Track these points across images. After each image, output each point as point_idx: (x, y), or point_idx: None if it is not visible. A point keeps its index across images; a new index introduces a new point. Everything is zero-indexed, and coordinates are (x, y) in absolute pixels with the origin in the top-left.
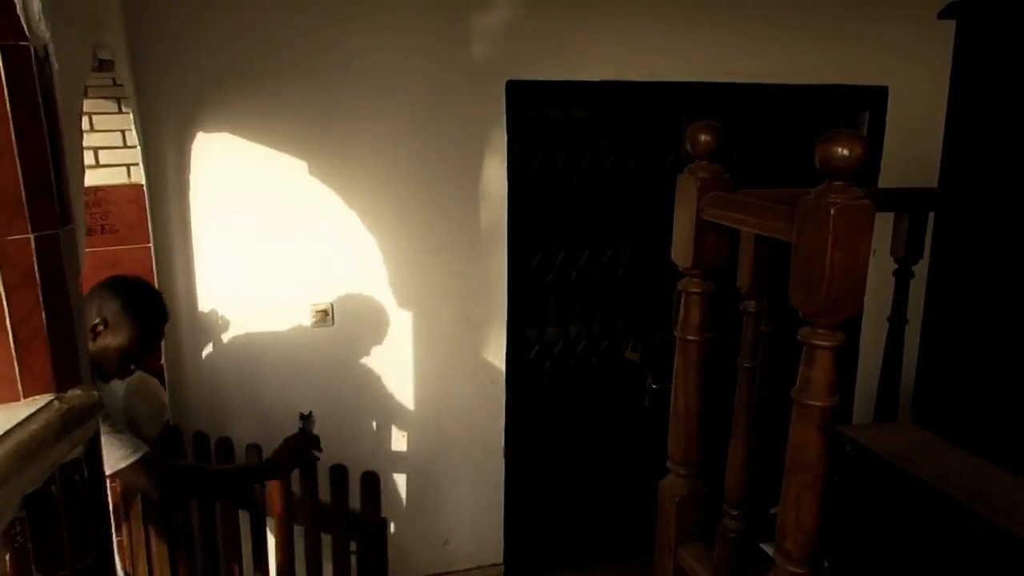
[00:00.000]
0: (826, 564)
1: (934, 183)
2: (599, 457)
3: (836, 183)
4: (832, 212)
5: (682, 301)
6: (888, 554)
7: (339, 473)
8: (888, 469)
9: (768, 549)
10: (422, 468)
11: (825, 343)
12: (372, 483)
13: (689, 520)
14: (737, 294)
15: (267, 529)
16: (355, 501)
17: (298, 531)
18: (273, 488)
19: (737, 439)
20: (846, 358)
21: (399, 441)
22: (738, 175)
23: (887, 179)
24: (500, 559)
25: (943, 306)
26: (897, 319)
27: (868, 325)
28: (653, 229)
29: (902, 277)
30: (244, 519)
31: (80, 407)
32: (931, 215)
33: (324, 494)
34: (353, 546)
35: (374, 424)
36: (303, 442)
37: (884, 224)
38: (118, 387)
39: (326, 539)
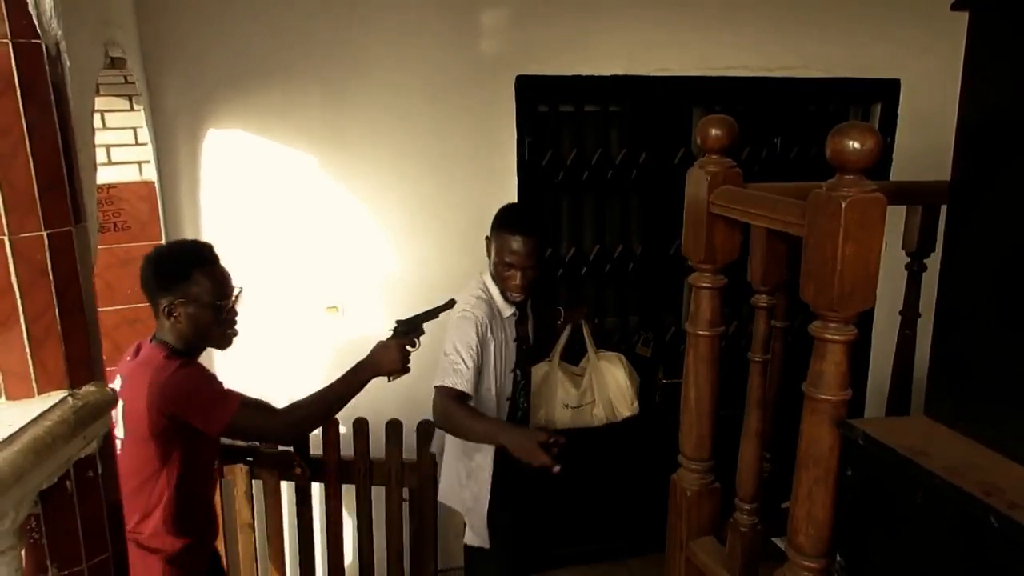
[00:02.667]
0: (839, 559)
1: (946, 176)
2: (610, 452)
3: (847, 176)
4: (844, 205)
5: (693, 295)
6: (901, 548)
7: (395, 426)
8: (901, 463)
9: (781, 544)
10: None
11: (837, 337)
12: (427, 430)
13: (701, 515)
14: (748, 288)
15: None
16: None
17: (347, 488)
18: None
19: (749, 434)
20: (858, 352)
21: (409, 436)
22: (749, 169)
23: (899, 172)
24: None
25: (956, 299)
26: (909, 313)
27: (880, 319)
28: (664, 223)
29: (914, 270)
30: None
31: (94, 403)
32: (943, 208)
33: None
34: (405, 493)
35: (385, 419)
36: (387, 347)
37: (896, 217)
38: None
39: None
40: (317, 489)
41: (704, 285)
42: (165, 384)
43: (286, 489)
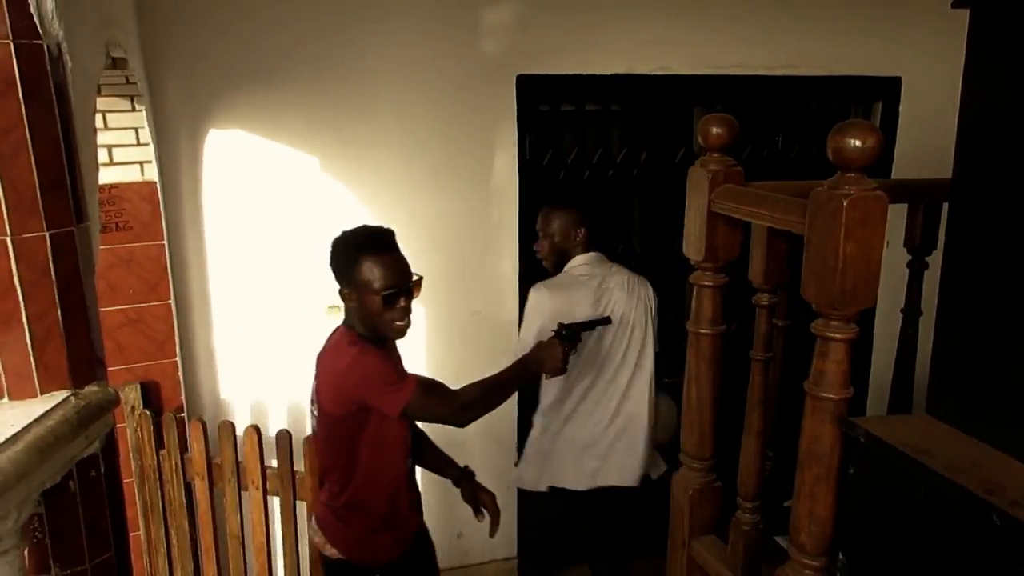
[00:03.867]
0: (841, 557)
1: (948, 174)
2: None
3: (849, 175)
4: (845, 204)
5: (694, 294)
6: (903, 547)
7: None
8: (903, 461)
9: (782, 542)
10: None
11: (838, 336)
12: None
13: (703, 513)
14: (750, 287)
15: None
16: None
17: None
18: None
19: (751, 432)
20: (859, 350)
21: None
22: (750, 168)
23: (900, 170)
24: (513, 553)
25: (958, 297)
26: (911, 311)
27: (882, 317)
28: (665, 222)
29: (916, 269)
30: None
31: (96, 403)
32: (945, 206)
33: None
34: None
35: None
36: (552, 347)
37: (897, 215)
38: None
39: None
40: (303, 507)
41: (706, 284)
42: (345, 370)
43: (275, 504)
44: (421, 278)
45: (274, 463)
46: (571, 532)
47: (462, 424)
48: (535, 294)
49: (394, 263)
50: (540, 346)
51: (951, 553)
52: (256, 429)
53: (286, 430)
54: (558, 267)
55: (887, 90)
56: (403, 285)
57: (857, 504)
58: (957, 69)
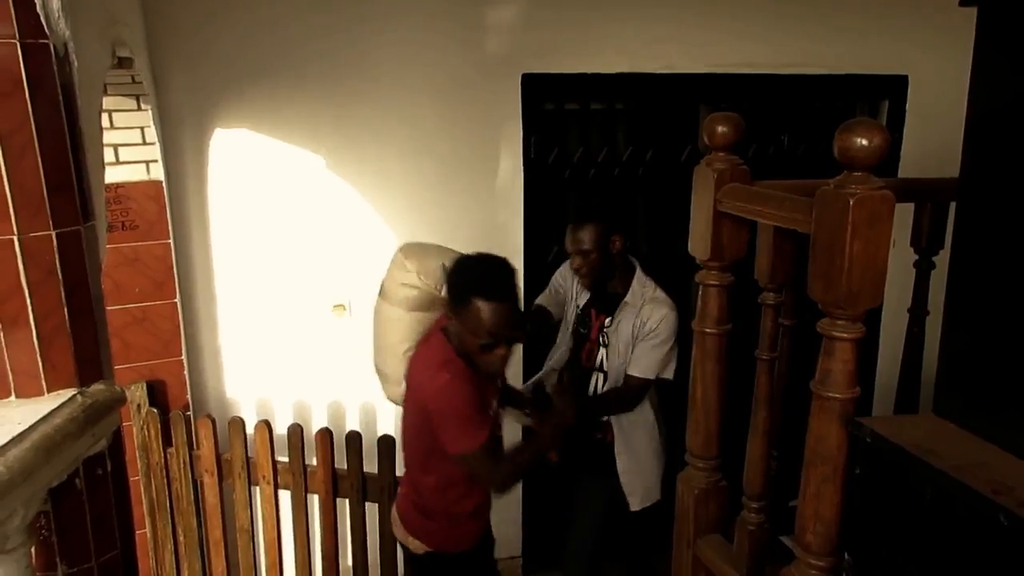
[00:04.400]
0: (847, 557)
1: (955, 173)
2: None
3: (855, 173)
4: (851, 203)
5: (700, 293)
6: (910, 547)
7: (354, 438)
8: (910, 461)
9: (788, 542)
10: None
11: (845, 335)
12: (389, 445)
13: (708, 513)
14: (754, 286)
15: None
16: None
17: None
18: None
19: (756, 432)
20: (866, 350)
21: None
22: (756, 166)
23: (907, 169)
24: (519, 552)
25: (965, 296)
26: (918, 311)
27: (888, 317)
28: (670, 221)
29: (923, 268)
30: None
31: (103, 401)
32: (952, 205)
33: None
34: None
35: (391, 419)
36: (569, 397)
37: (904, 214)
38: None
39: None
40: (315, 500)
41: (711, 283)
42: (434, 394)
43: (285, 498)
44: (528, 328)
45: (282, 460)
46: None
47: (497, 492)
48: (674, 314)
49: (504, 313)
50: (560, 402)
51: (958, 553)
52: (267, 424)
53: (297, 424)
54: (599, 283)
55: (894, 88)
56: (506, 337)
57: (863, 504)
58: (965, 67)
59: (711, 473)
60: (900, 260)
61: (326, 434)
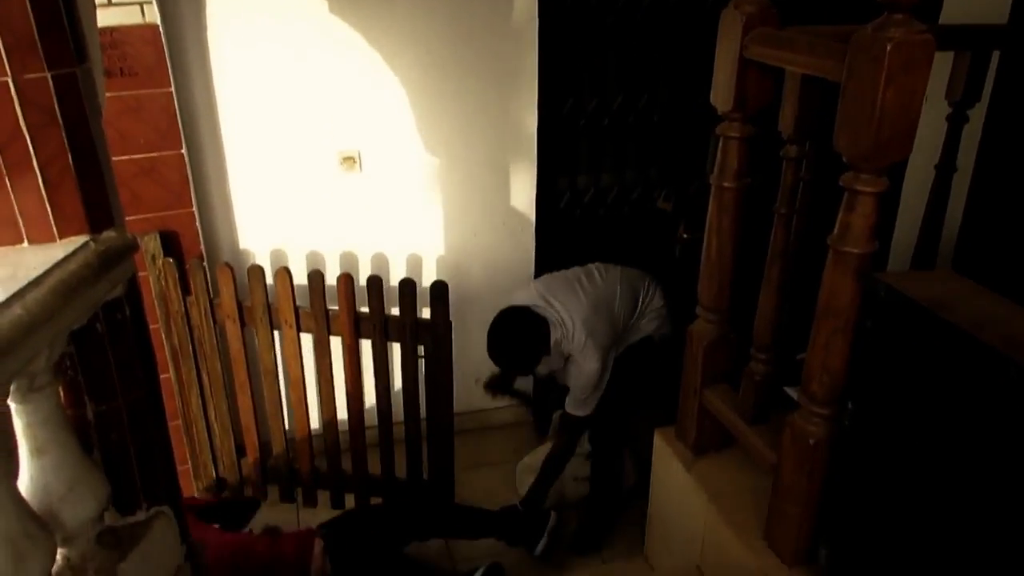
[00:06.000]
0: (850, 405)
1: (1001, 19)
2: None
3: (896, 16)
4: (889, 48)
5: (719, 146)
6: (916, 399)
7: (375, 280)
8: (922, 315)
9: (792, 393)
10: (452, 314)
11: (868, 188)
12: (441, 290)
13: (715, 364)
14: (772, 140)
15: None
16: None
17: (365, 344)
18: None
19: (769, 285)
20: (885, 206)
21: (423, 296)
22: (787, 12)
23: (948, 15)
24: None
25: (999, 150)
26: (946, 166)
27: (912, 173)
28: (692, 72)
29: (956, 121)
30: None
31: (115, 248)
32: (995, 54)
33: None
34: (421, 351)
35: (403, 271)
36: None
37: (937, 64)
38: None
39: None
40: (336, 342)
41: (733, 135)
42: None
43: (306, 341)
44: None
45: (301, 306)
46: None
47: None
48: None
49: None
50: None
51: (965, 406)
52: (287, 271)
53: (319, 270)
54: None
55: None
56: None
57: (872, 357)
58: None
59: (721, 325)
60: (928, 114)
61: (348, 278)
